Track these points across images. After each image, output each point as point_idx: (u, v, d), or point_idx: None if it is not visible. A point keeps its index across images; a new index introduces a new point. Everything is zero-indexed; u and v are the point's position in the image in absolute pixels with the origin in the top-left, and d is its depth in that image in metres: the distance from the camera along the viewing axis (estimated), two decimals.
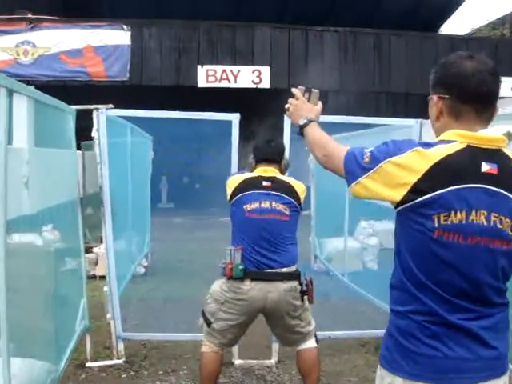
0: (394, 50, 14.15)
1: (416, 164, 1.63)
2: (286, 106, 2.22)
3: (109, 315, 4.58)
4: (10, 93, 2.43)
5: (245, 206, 3.45)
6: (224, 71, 13.78)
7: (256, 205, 3.44)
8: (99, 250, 7.85)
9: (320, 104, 2.20)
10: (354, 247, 7.66)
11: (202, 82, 13.79)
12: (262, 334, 4.63)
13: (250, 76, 13.90)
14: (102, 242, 8.18)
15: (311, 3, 15.73)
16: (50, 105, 3.59)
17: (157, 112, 4.58)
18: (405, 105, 15.64)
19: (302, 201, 3.57)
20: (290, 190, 3.52)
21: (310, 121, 2.08)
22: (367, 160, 1.74)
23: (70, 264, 4.62)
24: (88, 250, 7.54)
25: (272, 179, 3.53)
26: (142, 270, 7.86)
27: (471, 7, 18.25)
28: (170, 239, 10.27)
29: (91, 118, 4.41)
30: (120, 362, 4.54)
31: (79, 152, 9.20)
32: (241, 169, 4.15)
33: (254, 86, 13.93)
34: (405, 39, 14.31)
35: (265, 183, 3.50)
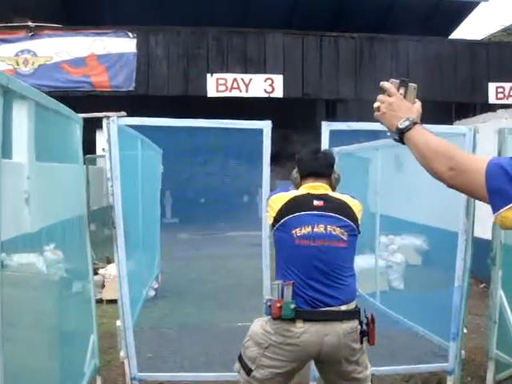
0: (412, 55, 13.60)
1: None
2: (376, 105, 1.71)
3: (122, 353, 4.00)
4: (6, 91, 1.87)
5: (294, 231, 2.85)
6: (235, 80, 13.25)
7: (308, 229, 2.83)
8: (106, 271, 7.34)
9: (419, 102, 1.72)
10: (378, 265, 7.11)
11: (211, 92, 13.27)
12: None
13: (262, 85, 13.35)
14: (108, 262, 7.76)
15: (320, 7, 15.32)
16: (54, 110, 3.05)
17: (177, 120, 4.05)
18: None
19: (359, 222, 2.97)
20: (346, 210, 2.92)
21: (415, 123, 1.58)
22: None
23: (77, 290, 4.05)
24: (94, 271, 7.01)
25: (324, 197, 2.94)
26: (153, 293, 7.32)
27: (484, 12, 17.78)
28: (178, 257, 9.78)
29: (94, 130, 3.88)
30: None
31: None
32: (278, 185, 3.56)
33: (267, 95, 13.40)
34: (423, 44, 13.78)
35: (316, 202, 2.90)
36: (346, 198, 2.99)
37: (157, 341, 5.42)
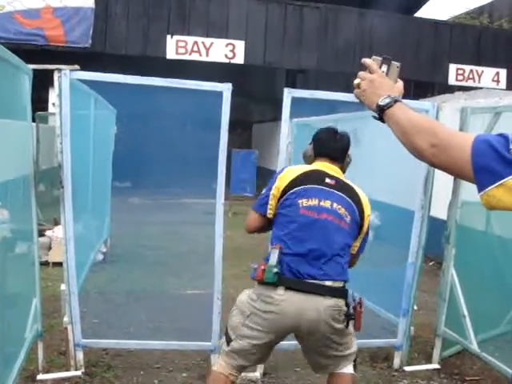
0: (376, 30, 13.52)
1: None
2: (356, 82, 1.63)
3: (66, 319, 3.84)
4: None
5: (300, 201, 2.85)
6: (195, 43, 12.98)
7: (314, 202, 2.85)
8: (53, 233, 7.12)
9: (401, 82, 1.65)
10: None
11: (171, 54, 12.95)
12: None
13: (223, 50, 13.14)
14: (56, 224, 7.51)
15: None
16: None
17: (133, 78, 3.86)
18: None
19: (365, 219, 2.97)
20: (355, 197, 2.94)
21: (396, 100, 1.51)
22: None
23: (20, 252, 3.85)
24: (40, 233, 6.78)
25: (337, 179, 2.96)
26: (101, 257, 7.13)
27: None
28: (129, 221, 9.52)
29: (47, 88, 3.65)
30: (78, 373, 3.83)
31: (33, 124, 8.33)
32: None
33: (227, 61, 13.17)
34: (388, 20, 13.72)
35: (328, 180, 2.92)
36: (357, 188, 3.01)
37: (103, 306, 5.28)
